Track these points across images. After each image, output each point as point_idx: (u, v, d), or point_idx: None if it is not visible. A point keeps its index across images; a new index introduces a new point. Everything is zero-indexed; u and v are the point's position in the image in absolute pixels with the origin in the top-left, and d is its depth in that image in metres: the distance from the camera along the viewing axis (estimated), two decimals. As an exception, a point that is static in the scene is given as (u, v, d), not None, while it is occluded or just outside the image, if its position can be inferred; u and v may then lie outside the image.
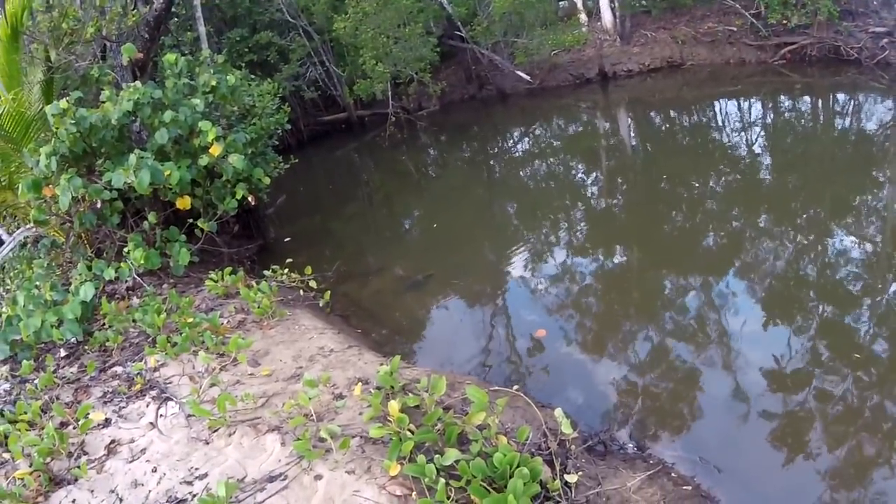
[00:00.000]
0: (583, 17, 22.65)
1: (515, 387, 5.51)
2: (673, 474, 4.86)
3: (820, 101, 16.22)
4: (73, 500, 4.58)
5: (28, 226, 8.81)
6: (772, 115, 15.98)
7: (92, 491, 4.63)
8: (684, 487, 4.67)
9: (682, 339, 6.98)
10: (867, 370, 6.01)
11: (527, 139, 18.21)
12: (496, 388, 5.58)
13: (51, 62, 9.50)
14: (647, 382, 6.37)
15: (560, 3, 24.66)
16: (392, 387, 5.08)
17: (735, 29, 19.92)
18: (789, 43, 18.71)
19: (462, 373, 6.60)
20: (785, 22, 18.26)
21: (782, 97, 17.09)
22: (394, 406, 4.53)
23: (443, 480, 3.82)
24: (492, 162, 16.69)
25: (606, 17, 21.77)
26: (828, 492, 4.82)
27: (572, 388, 6.45)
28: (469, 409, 4.55)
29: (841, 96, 16.39)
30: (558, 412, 4.56)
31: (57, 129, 7.98)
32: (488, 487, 3.83)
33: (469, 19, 21.27)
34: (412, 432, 4.30)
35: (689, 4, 21.56)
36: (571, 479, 4.16)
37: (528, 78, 21.00)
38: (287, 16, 19.62)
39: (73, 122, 7.91)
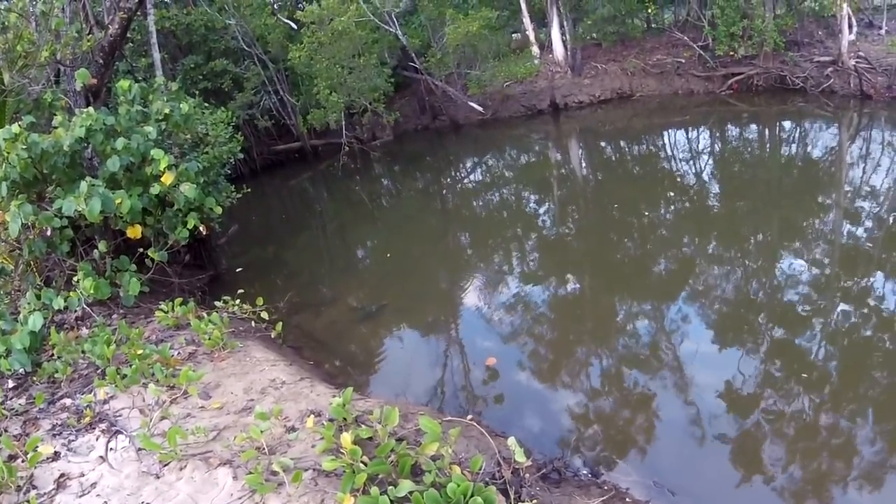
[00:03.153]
0: (535, 49, 23.03)
1: (469, 416, 5.55)
2: (628, 499, 4.92)
3: (767, 129, 16.70)
4: (22, 536, 4.49)
5: (-25, 252, 8.64)
6: (720, 144, 16.39)
7: (41, 527, 4.54)
8: (638, 512, 4.73)
9: (635, 364, 7.08)
10: (816, 389, 6.19)
11: (480, 169, 18.40)
12: (450, 417, 5.60)
13: (3, 85, 9.38)
14: (601, 408, 6.45)
15: (513, 35, 25.08)
16: (345, 419, 5.07)
17: (683, 60, 20.46)
18: (736, 73, 19.28)
19: (416, 403, 6.61)
20: (732, 53, 18.84)
21: (730, 126, 17.57)
22: (346, 438, 4.52)
23: (396, 512, 3.82)
24: (445, 191, 16.81)
25: (558, 49, 22.17)
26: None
27: (527, 415, 6.49)
28: (422, 440, 4.56)
29: (787, 124, 16.90)
30: (511, 441, 4.58)
31: (8, 154, 7.85)
32: (442, 518, 3.84)
33: (423, 50, 21.52)
34: (365, 464, 4.29)
35: (639, 37, 22.11)
36: (525, 507, 4.19)
37: (480, 109, 21.29)
38: (242, 44, 19.65)
39: (24, 147, 7.79)
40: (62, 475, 5.09)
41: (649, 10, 22.50)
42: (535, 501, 4.33)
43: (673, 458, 5.64)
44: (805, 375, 6.37)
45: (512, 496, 4.29)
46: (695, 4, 20.99)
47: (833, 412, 5.85)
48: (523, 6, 22.51)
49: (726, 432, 5.78)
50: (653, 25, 23.05)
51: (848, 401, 5.98)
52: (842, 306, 7.60)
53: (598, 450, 5.81)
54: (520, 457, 4.45)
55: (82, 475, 5.06)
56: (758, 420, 5.90)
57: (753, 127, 17.19)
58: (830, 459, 5.32)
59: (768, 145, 15.50)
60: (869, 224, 9.65)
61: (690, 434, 5.88)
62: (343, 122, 19.56)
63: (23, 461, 5.24)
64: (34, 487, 4.99)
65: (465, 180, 17.66)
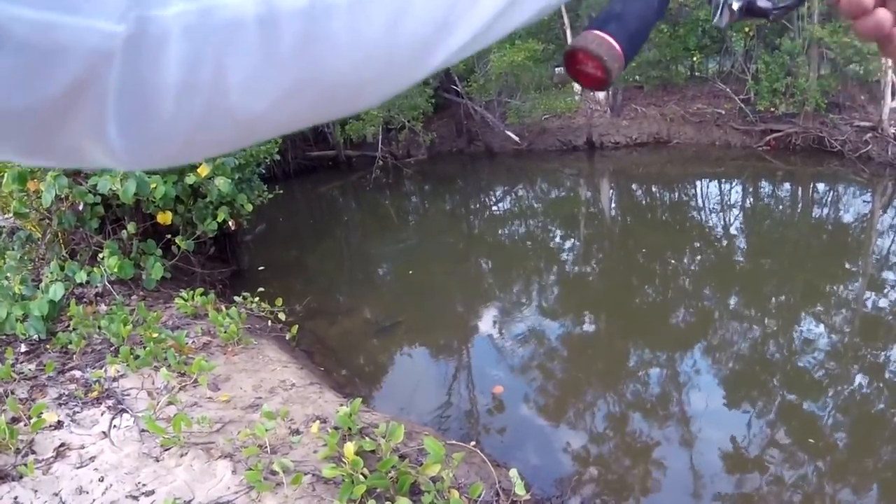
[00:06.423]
0: (577, 86, 23.00)
1: (473, 443, 5.53)
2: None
3: (800, 189, 16.55)
4: (15, 497, 4.49)
5: (6, 216, 8.78)
6: (752, 199, 16.26)
7: (35, 491, 4.55)
8: (629, 562, 4.69)
9: (642, 412, 7.01)
10: (823, 457, 6.09)
11: (509, 198, 18.41)
12: (453, 441, 5.59)
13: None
14: (604, 453, 6.39)
15: (556, 69, 25.14)
16: (350, 428, 5.07)
17: (723, 112, 20.35)
18: (775, 130, 19.08)
19: (420, 423, 6.59)
20: (773, 109, 18.69)
21: (764, 182, 17.44)
22: (349, 448, 4.51)
23: (391, 527, 3.82)
24: (472, 216, 16.84)
25: (600, 89, 22.15)
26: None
27: (528, 448, 6.45)
28: (424, 460, 4.55)
29: (821, 186, 16.71)
30: (513, 472, 4.58)
31: (50, 126, 7.99)
32: (436, 540, 3.84)
33: (466, 75, 21.62)
34: (365, 476, 4.28)
35: (681, 84, 22.06)
36: (519, 540, 4.17)
37: (516, 139, 21.33)
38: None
39: (66, 123, 7.93)
40: (62, 444, 5.12)
41: (694, 59, 22.44)
42: (529, 535, 4.31)
43: (671, 510, 5.60)
44: (812, 441, 6.30)
45: (507, 527, 4.27)
46: (740, 57, 20.94)
47: (839, 483, 5.77)
48: (570, 41, 22.56)
49: (727, 491, 5.71)
50: (696, 74, 22.94)
51: (855, 472, 5.90)
52: (858, 377, 7.50)
53: (596, 492, 5.76)
54: (520, 489, 4.44)
55: (82, 447, 5.09)
56: (760, 484, 5.82)
57: (787, 186, 17.07)
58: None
59: (800, 205, 15.38)
60: (894, 296, 9.54)
61: (691, 491, 5.81)
62: (380, 137, 19.69)
63: (25, 425, 5.28)
64: (33, 452, 5.02)
65: (494, 207, 17.68)
